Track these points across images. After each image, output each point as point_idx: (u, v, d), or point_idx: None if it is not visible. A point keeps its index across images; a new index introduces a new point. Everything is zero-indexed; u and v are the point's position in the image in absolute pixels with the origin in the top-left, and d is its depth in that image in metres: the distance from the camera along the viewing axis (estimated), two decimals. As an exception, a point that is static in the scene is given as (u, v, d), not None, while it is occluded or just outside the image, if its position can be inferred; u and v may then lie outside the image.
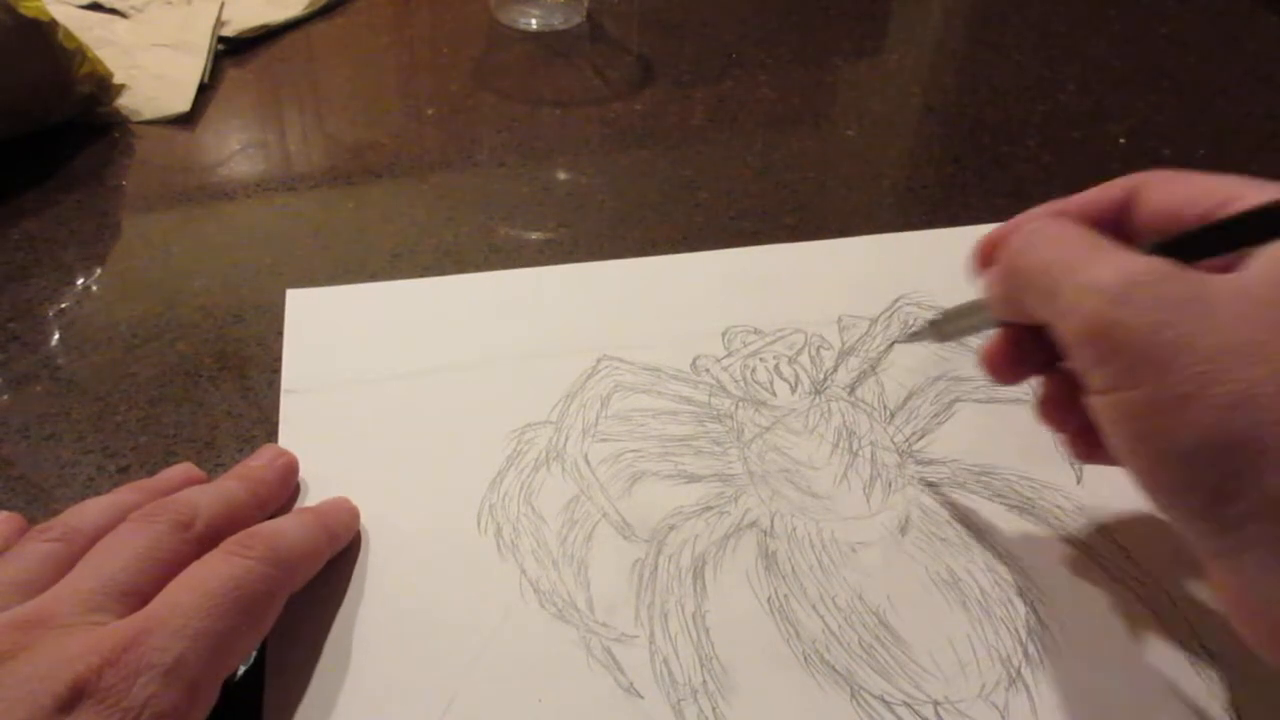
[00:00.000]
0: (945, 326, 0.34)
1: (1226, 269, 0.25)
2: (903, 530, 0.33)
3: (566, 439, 0.36)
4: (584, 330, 0.40)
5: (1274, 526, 0.22)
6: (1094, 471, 0.35)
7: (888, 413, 0.38)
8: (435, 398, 0.37)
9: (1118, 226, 0.29)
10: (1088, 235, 0.28)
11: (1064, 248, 0.27)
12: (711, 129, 0.57)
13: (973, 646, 0.30)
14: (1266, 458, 0.22)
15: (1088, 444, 0.31)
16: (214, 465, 0.35)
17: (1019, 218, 0.32)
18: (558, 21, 0.67)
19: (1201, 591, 0.32)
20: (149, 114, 0.55)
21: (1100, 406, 0.25)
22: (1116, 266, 0.25)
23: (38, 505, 0.34)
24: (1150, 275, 0.24)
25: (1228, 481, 0.22)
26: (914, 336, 0.38)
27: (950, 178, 0.53)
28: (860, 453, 0.36)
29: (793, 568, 0.32)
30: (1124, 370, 0.24)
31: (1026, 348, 0.31)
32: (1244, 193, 0.28)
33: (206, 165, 0.52)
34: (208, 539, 0.28)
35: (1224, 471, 0.22)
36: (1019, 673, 0.29)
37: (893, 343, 0.38)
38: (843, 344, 0.40)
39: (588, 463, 0.35)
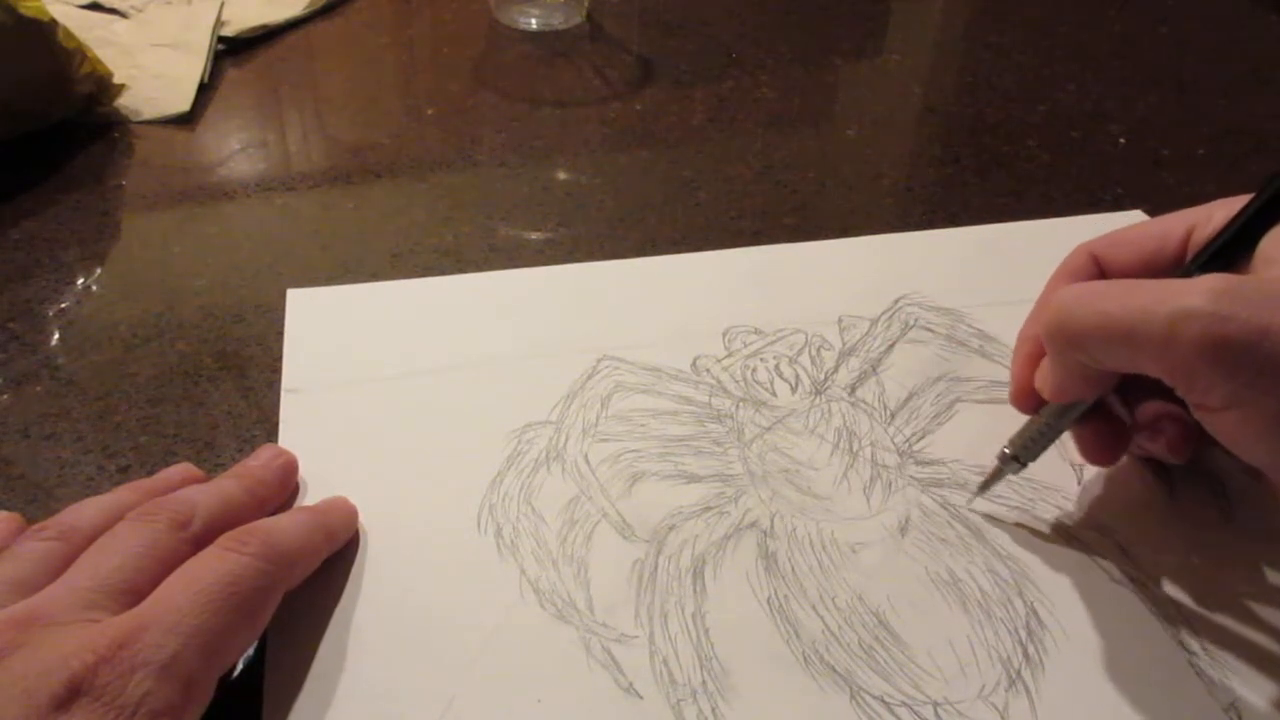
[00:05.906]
0: (1022, 454, 0.33)
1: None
2: (903, 531, 0.33)
3: (566, 439, 0.36)
4: (584, 330, 0.40)
5: None
6: (1094, 472, 0.35)
7: (888, 413, 0.38)
8: (435, 398, 0.37)
9: None
10: (1118, 281, 0.28)
11: (1116, 296, 0.27)
12: (711, 129, 0.57)
13: (972, 647, 0.30)
14: None
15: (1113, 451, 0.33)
16: (214, 465, 0.35)
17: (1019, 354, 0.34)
18: (558, 21, 0.67)
19: (1202, 591, 0.31)
20: (149, 114, 0.55)
21: (1233, 422, 0.26)
22: (1196, 290, 0.25)
23: (38, 505, 0.34)
24: (1228, 287, 0.25)
25: None
26: (990, 481, 0.34)
27: (950, 178, 0.53)
28: (860, 453, 0.36)
29: (792, 568, 0.32)
30: (1249, 382, 0.25)
31: (1115, 421, 0.33)
32: (1209, 215, 0.30)
33: (206, 165, 0.52)
34: (205, 538, 0.28)
35: None
36: (1019, 674, 0.29)
37: (974, 496, 0.34)
38: (843, 344, 0.40)
39: (588, 463, 0.35)
